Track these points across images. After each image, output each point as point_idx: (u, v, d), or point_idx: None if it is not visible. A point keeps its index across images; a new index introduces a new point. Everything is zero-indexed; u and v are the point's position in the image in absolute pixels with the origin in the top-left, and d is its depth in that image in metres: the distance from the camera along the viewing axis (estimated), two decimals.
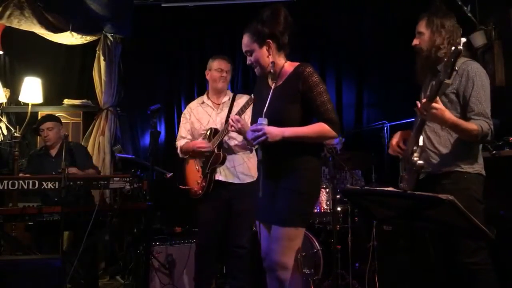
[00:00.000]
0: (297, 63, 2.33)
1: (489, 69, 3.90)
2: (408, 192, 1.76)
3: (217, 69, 3.36)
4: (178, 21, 5.39)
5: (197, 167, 3.32)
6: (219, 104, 3.41)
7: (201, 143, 3.24)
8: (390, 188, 1.84)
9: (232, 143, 3.28)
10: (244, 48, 2.36)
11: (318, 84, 2.24)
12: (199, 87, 5.36)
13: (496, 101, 2.35)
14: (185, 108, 5.32)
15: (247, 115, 2.94)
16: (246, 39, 2.33)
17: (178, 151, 3.42)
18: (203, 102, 3.45)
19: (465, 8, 4.19)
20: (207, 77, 3.43)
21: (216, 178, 3.24)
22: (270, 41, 2.28)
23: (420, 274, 2.67)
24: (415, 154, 2.18)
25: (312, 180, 2.28)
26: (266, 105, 2.30)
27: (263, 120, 2.21)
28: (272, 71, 2.33)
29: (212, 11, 5.32)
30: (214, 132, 3.27)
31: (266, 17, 2.27)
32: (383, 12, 4.97)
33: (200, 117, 3.40)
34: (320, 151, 2.44)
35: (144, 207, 3.36)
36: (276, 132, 2.19)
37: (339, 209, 3.71)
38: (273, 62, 2.31)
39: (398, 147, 2.50)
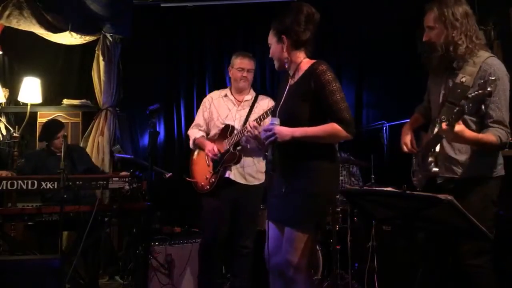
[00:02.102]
0: (313, 61, 2.30)
1: None
2: (407, 192, 1.75)
3: (238, 68, 3.33)
4: (177, 21, 5.38)
5: (207, 162, 3.31)
6: (240, 102, 3.40)
7: (212, 151, 3.22)
8: (390, 188, 1.83)
9: (246, 144, 3.26)
10: (268, 41, 2.38)
11: (331, 82, 2.19)
12: (198, 87, 5.36)
13: None
14: (184, 108, 5.43)
15: (265, 123, 2.91)
16: (270, 32, 2.36)
17: (191, 141, 3.41)
18: (225, 95, 3.43)
19: None
20: (230, 73, 3.42)
21: (226, 175, 3.24)
22: (284, 37, 2.28)
23: (420, 274, 2.66)
24: (431, 159, 2.12)
25: (324, 181, 2.21)
26: (281, 103, 2.31)
27: (275, 120, 2.22)
28: (286, 66, 2.33)
29: (211, 11, 5.32)
30: (231, 129, 3.26)
31: (285, 14, 2.28)
32: (383, 12, 4.96)
33: (219, 109, 3.39)
34: (335, 152, 2.35)
35: (143, 207, 3.36)
36: (285, 132, 2.17)
37: (338, 209, 3.72)
38: (287, 58, 2.30)
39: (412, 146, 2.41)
